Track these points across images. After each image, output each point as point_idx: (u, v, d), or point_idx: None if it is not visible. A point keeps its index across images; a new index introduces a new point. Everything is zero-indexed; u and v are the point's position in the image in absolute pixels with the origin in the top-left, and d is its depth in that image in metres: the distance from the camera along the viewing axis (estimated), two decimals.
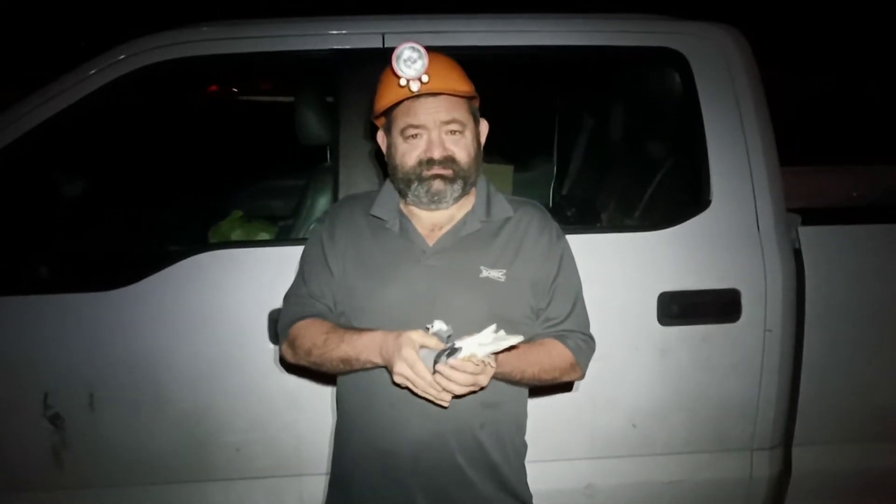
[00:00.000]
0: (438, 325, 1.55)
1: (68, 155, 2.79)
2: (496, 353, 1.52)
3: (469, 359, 1.48)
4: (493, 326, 1.49)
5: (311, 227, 2.15)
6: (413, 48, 1.66)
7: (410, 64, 1.66)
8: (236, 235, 3.10)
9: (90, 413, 2.27)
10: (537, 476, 1.90)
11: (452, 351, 1.48)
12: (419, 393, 1.55)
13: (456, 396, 1.56)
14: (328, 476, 1.94)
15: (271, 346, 2.28)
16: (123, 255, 2.61)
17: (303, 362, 1.80)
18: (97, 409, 2.27)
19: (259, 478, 2.39)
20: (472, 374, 1.50)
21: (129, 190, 3.19)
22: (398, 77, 1.67)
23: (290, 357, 1.84)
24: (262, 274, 2.30)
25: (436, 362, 1.50)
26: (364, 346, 1.65)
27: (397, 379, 1.56)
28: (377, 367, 1.65)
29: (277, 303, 2.26)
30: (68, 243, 2.61)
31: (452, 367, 1.48)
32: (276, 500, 2.41)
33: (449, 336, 1.53)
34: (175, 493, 2.37)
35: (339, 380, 1.86)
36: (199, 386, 2.31)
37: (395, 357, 1.54)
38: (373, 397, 1.75)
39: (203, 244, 2.90)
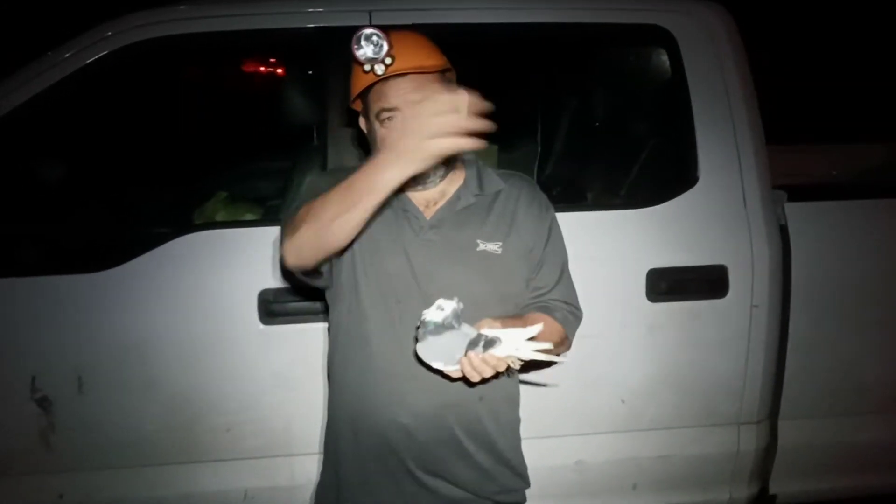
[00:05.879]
0: (449, 304, 1.49)
1: (53, 136, 2.75)
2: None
3: (507, 359, 1.49)
4: (540, 325, 1.49)
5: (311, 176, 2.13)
6: (369, 33, 1.64)
7: (369, 49, 1.64)
8: (221, 217, 3.07)
9: (79, 396, 2.25)
10: (527, 453, 1.92)
11: (489, 342, 1.47)
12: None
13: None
14: (320, 455, 1.94)
15: (261, 325, 2.27)
16: (109, 237, 2.58)
17: (304, 239, 1.54)
18: (86, 392, 2.26)
19: (250, 458, 2.38)
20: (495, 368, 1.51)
21: (114, 171, 3.15)
22: (361, 64, 1.66)
23: (291, 247, 1.59)
24: (250, 254, 2.29)
25: (470, 348, 1.49)
26: (369, 163, 1.46)
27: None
28: (382, 183, 1.41)
29: (265, 282, 2.26)
30: (54, 225, 2.57)
31: (484, 360, 1.49)
32: (267, 480, 2.40)
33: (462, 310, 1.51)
34: (165, 474, 2.36)
35: (331, 354, 1.85)
36: (188, 367, 2.30)
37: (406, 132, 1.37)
38: (370, 370, 1.75)
39: (189, 225, 2.87)
